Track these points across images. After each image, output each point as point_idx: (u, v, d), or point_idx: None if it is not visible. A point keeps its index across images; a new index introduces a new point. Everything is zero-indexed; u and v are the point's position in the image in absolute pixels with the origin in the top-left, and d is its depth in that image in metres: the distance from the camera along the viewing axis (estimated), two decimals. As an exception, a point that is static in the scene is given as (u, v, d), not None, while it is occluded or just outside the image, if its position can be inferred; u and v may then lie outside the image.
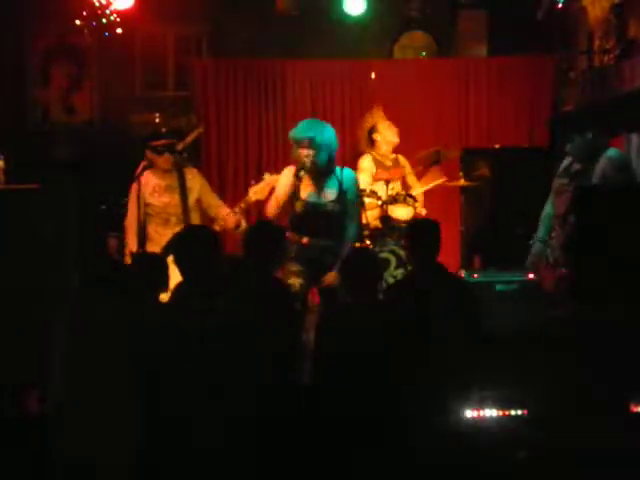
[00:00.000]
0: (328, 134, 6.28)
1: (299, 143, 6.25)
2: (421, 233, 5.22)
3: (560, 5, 8.23)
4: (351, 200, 6.26)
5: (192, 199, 6.60)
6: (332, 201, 6.20)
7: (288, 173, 6.36)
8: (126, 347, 4.18)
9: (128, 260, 5.84)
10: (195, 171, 6.78)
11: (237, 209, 6.60)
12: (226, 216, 6.56)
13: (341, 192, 6.21)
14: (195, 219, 6.65)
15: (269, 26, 9.64)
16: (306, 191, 6.26)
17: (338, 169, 6.29)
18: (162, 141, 6.57)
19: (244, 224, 6.56)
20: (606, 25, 7.80)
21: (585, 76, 8.16)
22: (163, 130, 6.79)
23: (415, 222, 5.43)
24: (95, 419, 4.26)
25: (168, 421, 3.90)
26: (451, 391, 4.55)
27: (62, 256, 5.92)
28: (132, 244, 6.47)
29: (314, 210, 6.22)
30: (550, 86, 9.17)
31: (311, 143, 6.18)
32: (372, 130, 8.02)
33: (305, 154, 6.20)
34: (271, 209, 6.34)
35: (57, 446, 4.40)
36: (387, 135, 7.96)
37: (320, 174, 6.25)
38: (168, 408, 3.87)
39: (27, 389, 5.38)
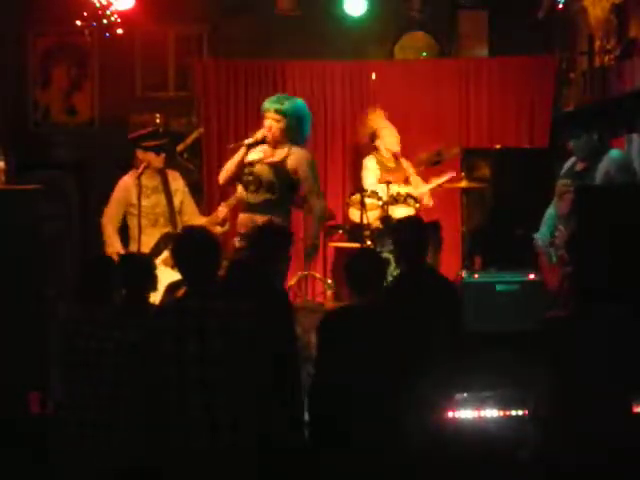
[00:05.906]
0: (297, 106, 6.73)
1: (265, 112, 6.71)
2: (406, 232, 4.98)
3: (561, 5, 8.22)
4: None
5: (177, 201, 6.56)
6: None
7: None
8: (126, 347, 4.19)
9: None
10: (177, 174, 6.75)
11: (225, 206, 6.60)
12: (212, 217, 6.56)
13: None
14: (180, 221, 6.62)
15: (269, 26, 9.65)
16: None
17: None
18: (152, 142, 6.50)
19: (228, 226, 6.58)
20: (607, 25, 7.80)
21: (586, 76, 8.15)
22: (149, 130, 6.71)
23: (400, 222, 5.25)
24: (94, 421, 4.28)
25: (168, 422, 3.90)
26: (435, 389, 4.52)
27: (62, 256, 5.93)
28: (117, 244, 6.40)
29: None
30: (551, 86, 9.16)
31: (277, 112, 6.63)
32: (373, 135, 8.04)
33: (268, 124, 6.63)
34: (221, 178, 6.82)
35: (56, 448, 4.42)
36: (387, 143, 8.00)
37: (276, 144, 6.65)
38: (168, 408, 3.87)
39: (29, 391, 5.38)
